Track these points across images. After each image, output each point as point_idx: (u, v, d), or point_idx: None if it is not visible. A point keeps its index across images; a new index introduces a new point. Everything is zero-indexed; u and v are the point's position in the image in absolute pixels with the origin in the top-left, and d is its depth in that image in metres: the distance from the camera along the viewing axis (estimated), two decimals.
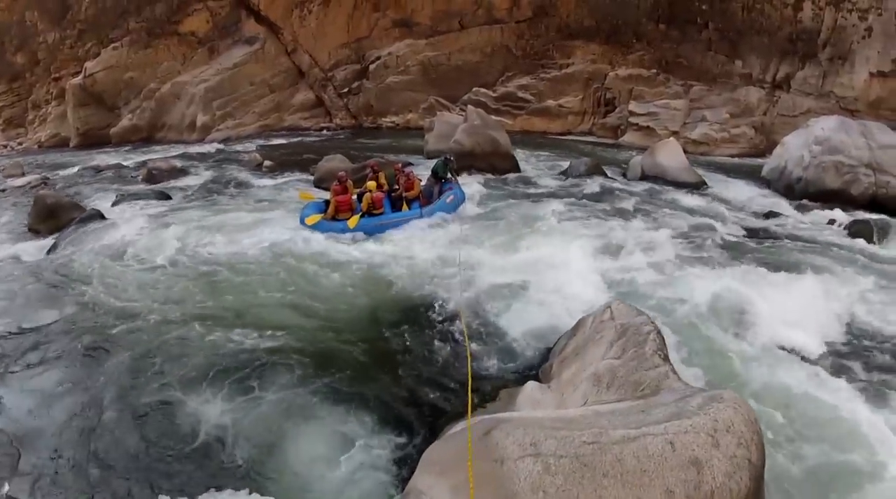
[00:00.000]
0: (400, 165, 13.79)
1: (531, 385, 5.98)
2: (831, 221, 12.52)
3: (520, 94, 28.89)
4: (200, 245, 11.25)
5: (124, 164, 24.25)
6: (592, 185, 15.31)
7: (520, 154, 19.22)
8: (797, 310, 7.76)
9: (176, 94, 33.05)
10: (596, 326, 6.31)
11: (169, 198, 16.53)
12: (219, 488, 5.22)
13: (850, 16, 21.16)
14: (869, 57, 20.81)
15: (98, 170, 23.11)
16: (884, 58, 20.52)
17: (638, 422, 4.17)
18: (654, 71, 25.98)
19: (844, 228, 11.93)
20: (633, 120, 25.43)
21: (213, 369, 7.07)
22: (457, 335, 7.69)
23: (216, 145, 28.95)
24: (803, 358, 6.93)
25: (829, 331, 7.52)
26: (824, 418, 5.72)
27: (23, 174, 23.22)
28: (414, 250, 10.76)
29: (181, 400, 6.53)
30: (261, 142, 28.69)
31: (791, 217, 12.95)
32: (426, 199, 12.67)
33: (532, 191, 15.21)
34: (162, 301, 8.99)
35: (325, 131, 32.88)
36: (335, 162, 17.34)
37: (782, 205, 13.95)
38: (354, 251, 10.87)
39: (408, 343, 7.65)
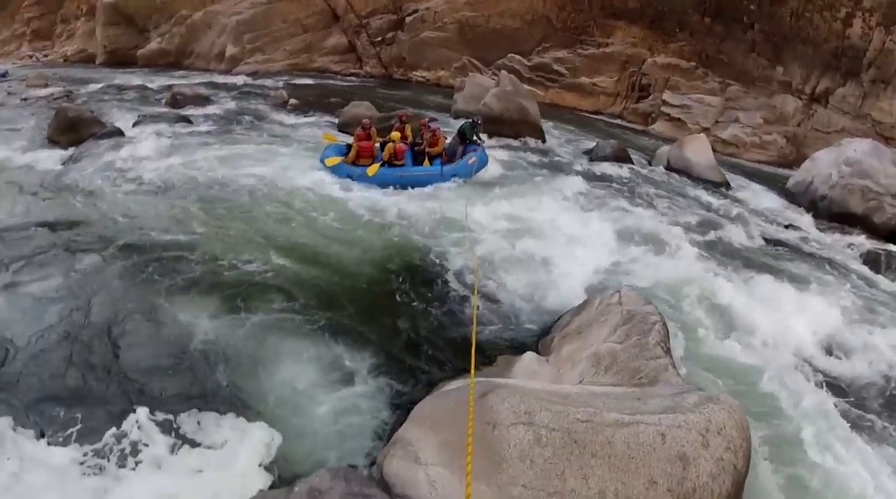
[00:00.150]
0: (427, 120, 13.62)
1: (530, 356, 5.99)
2: (850, 246, 12.31)
3: (554, 66, 28.31)
4: (215, 172, 11.30)
5: (149, 86, 24.12)
6: (616, 168, 15.06)
7: (547, 126, 18.87)
8: (800, 327, 7.72)
9: (207, 23, 32.67)
10: (602, 309, 6.30)
11: (190, 123, 16.51)
12: (201, 409, 5.27)
13: None
14: None
15: (122, 89, 23.07)
16: None
17: (632, 409, 4.18)
18: (693, 64, 25.36)
19: (861, 255, 11.74)
20: (665, 109, 24.97)
21: (208, 289, 7.17)
22: (461, 295, 7.70)
23: (243, 78, 28.69)
24: (798, 373, 6.90)
25: (826, 352, 7.49)
26: (801, 439, 5.69)
27: (46, 86, 23.19)
28: (430, 206, 10.70)
29: (173, 315, 6.59)
30: (288, 80, 28.35)
31: (810, 234, 12.75)
32: (448, 157, 12.54)
33: (555, 165, 15.00)
34: (168, 220, 9.08)
35: (353, 77, 32.40)
36: (361, 108, 17.14)
37: (803, 220, 13.72)
38: (369, 198, 10.83)
39: (410, 295, 7.67)
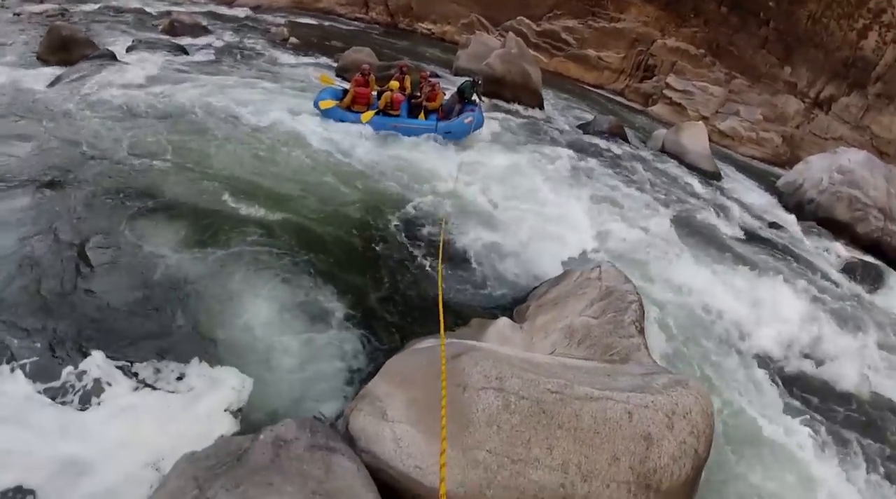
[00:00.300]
0: (428, 73, 13.33)
1: (504, 321, 5.97)
2: (828, 251, 12.47)
3: (563, 34, 27.84)
4: (203, 105, 10.98)
5: (147, 10, 23.31)
6: (611, 145, 14.97)
7: (547, 94, 18.66)
8: (769, 323, 7.83)
9: None
10: (581, 282, 6.29)
11: (186, 53, 16.10)
12: (166, 349, 5.13)
13: None
14: None
15: (119, 11, 22.23)
16: None
17: (602, 385, 4.18)
18: (702, 51, 25.16)
19: (839, 262, 11.89)
20: (667, 93, 24.81)
21: (179, 222, 6.97)
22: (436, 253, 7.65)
23: (245, 11, 27.82)
24: (762, 367, 7.02)
25: (796, 352, 7.61)
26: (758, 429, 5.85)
27: (41, 2, 22.22)
28: (417, 160, 10.54)
29: (140, 246, 6.39)
30: (290, 17, 27.57)
31: (793, 235, 12.86)
32: (445, 114, 12.31)
33: (550, 134, 14.85)
34: (146, 149, 8.83)
35: (358, 22, 31.58)
36: (362, 54, 16.73)
37: (788, 220, 13.81)
38: (359, 146, 10.62)
39: (388, 248, 7.59)
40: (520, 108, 16.81)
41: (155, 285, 5.87)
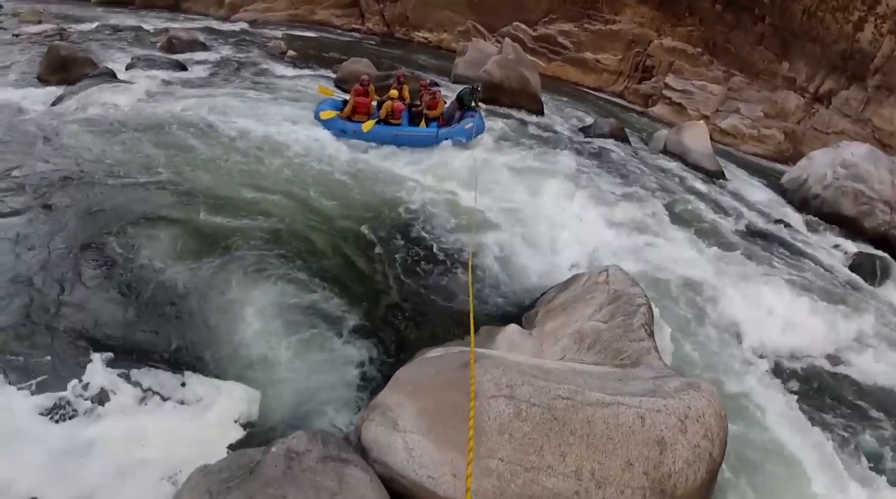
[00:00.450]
0: (427, 82, 13.36)
1: (513, 328, 5.95)
2: (836, 246, 12.43)
3: (559, 39, 27.85)
4: (204, 119, 11.03)
5: (144, 27, 23.44)
6: (612, 147, 14.93)
7: (546, 99, 18.65)
8: (779, 322, 7.76)
9: None
10: (589, 286, 6.25)
11: (185, 69, 16.14)
12: (176, 359, 5.09)
13: None
14: None
15: (116, 30, 22.39)
16: None
17: (613, 390, 4.14)
18: (699, 50, 25.11)
19: (847, 257, 11.84)
20: (666, 93, 24.77)
21: (184, 235, 6.96)
22: (447, 262, 7.62)
23: (242, 25, 28.07)
24: (774, 367, 6.98)
25: (803, 348, 7.53)
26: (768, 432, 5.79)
27: (39, 22, 22.43)
28: (421, 169, 10.55)
29: (146, 260, 6.37)
30: (287, 30, 27.69)
31: (799, 231, 12.81)
32: (445, 121, 12.33)
33: (551, 138, 14.85)
34: (148, 164, 8.84)
35: (354, 33, 31.70)
36: (360, 65, 16.75)
37: (793, 217, 13.78)
38: (362, 155, 10.67)
39: (395, 258, 7.57)
40: (520, 113, 16.81)
41: (162, 298, 5.87)
